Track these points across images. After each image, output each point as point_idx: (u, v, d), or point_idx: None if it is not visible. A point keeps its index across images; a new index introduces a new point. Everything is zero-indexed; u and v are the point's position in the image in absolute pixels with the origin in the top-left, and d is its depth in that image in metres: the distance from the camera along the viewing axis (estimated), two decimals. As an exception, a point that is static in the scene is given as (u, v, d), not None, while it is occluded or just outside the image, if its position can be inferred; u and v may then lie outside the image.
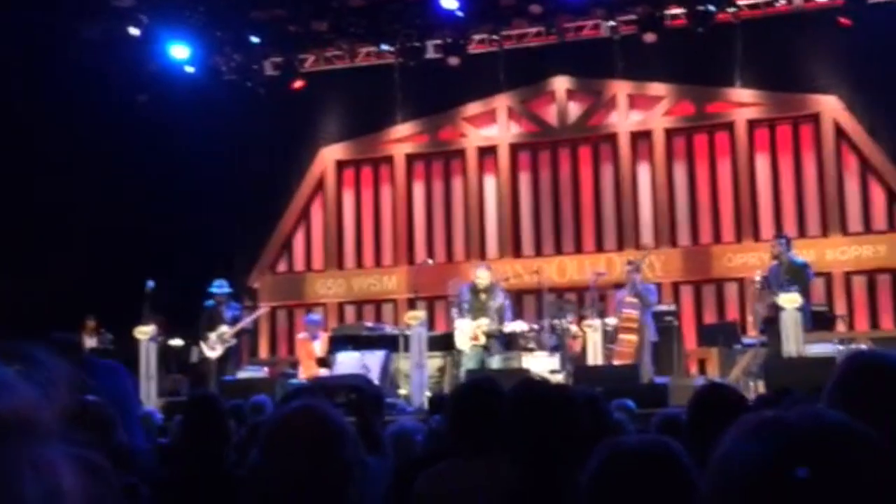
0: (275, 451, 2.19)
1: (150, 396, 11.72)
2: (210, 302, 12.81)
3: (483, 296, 11.65)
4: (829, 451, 1.14)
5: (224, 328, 12.64)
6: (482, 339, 11.53)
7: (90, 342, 14.06)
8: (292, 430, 2.20)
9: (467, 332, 11.60)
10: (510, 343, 12.51)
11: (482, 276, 11.85)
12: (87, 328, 14.06)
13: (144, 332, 12.14)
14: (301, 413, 2.24)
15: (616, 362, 11.47)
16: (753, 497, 1.13)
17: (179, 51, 15.45)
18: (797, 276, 10.84)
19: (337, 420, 2.21)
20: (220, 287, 12.84)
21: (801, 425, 1.17)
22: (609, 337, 11.81)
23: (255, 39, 15.65)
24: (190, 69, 15.68)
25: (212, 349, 12.61)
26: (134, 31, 14.80)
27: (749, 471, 1.15)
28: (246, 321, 13.35)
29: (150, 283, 12.25)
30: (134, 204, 14.77)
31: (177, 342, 13.87)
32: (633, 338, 11.53)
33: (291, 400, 3.27)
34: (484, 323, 11.54)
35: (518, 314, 13.96)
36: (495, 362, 11.55)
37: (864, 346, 12.32)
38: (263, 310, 14.92)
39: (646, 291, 11.85)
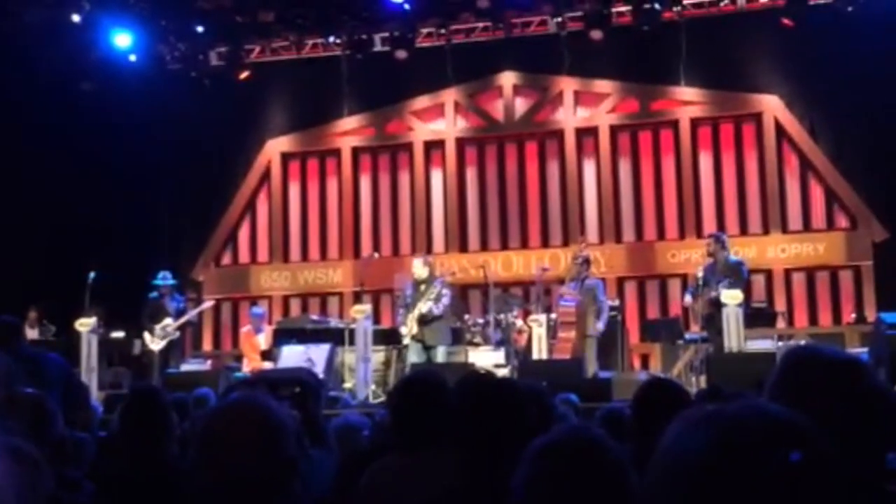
0: (212, 446, 2.15)
1: (91, 389, 11.55)
2: (154, 294, 12.65)
3: (422, 287, 11.61)
4: (769, 441, 1.16)
5: (168, 321, 12.49)
6: (414, 329, 11.42)
7: (32, 333, 13.80)
8: (230, 424, 2.15)
9: (408, 326, 11.54)
10: (456, 336, 12.50)
11: (417, 268, 11.77)
12: (30, 319, 13.81)
13: (85, 324, 11.96)
14: (240, 406, 2.19)
15: (556, 356, 11.49)
16: (697, 487, 1.15)
17: (122, 39, 15.22)
18: (732, 273, 10.99)
19: (277, 413, 2.18)
20: (164, 279, 12.69)
21: (743, 417, 1.19)
22: (549, 332, 11.83)
23: (199, 29, 15.47)
24: (133, 58, 15.45)
25: (155, 342, 12.46)
26: (75, 18, 14.55)
27: (693, 462, 1.17)
28: (191, 314, 13.19)
29: (92, 275, 12.08)
30: (76, 194, 14.54)
31: (118, 334, 13.68)
32: (571, 333, 11.53)
33: (231, 393, 3.24)
34: (416, 312, 11.42)
35: (464, 308, 13.99)
36: (439, 357, 11.49)
37: (803, 342, 12.56)
38: (209, 303, 14.71)
39: (592, 287, 11.81)
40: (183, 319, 12.69)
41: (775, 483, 1.13)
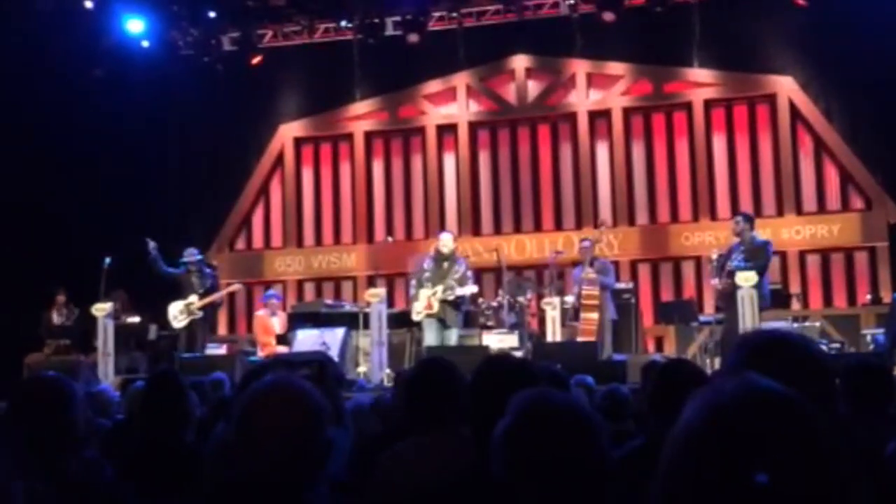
0: (252, 429, 2.12)
1: (107, 374, 11.64)
2: (181, 269, 12.50)
3: (445, 264, 11.26)
4: (754, 414, 1.21)
5: (193, 298, 12.32)
6: (436, 307, 11.10)
7: (58, 318, 13.80)
8: (271, 407, 2.13)
9: (422, 302, 11.19)
10: (469, 320, 12.47)
11: (445, 241, 11.41)
12: (58, 303, 13.79)
13: (102, 309, 12.01)
14: (279, 389, 2.16)
15: (580, 339, 11.49)
16: (691, 460, 1.20)
17: (135, 25, 15.26)
18: (757, 254, 10.72)
19: (316, 396, 2.16)
20: (190, 255, 12.53)
21: (732, 393, 1.24)
22: (568, 315, 11.82)
23: (212, 14, 15.48)
24: (145, 43, 15.48)
25: (178, 319, 12.30)
26: (88, 4, 14.57)
27: (686, 438, 1.22)
28: (217, 295, 12.87)
29: (108, 260, 12.11)
30: (90, 180, 14.59)
31: (134, 319, 13.73)
32: (596, 315, 11.53)
33: (258, 375, 3.24)
34: (439, 290, 11.09)
35: (478, 292, 13.96)
36: (453, 338, 11.36)
37: (817, 324, 12.57)
38: (237, 286, 14.49)
39: (604, 268, 11.83)
40: (208, 299, 12.41)
41: (757, 454, 1.16)
